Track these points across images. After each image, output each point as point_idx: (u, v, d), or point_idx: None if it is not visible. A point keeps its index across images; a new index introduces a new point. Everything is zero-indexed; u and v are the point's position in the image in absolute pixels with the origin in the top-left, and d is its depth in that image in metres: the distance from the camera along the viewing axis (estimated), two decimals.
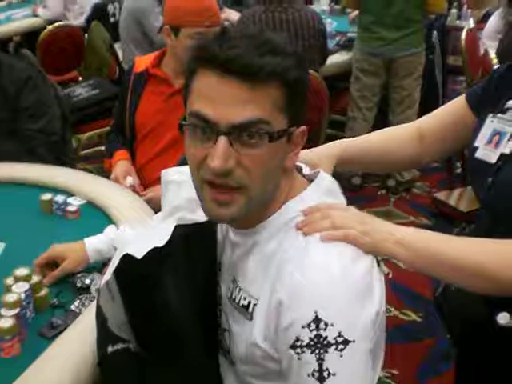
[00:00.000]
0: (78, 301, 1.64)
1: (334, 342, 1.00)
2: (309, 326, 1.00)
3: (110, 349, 1.25)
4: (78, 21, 5.52)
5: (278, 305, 1.05)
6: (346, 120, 4.47)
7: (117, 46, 4.88)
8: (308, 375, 1.01)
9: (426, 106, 4.58)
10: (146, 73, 2.58)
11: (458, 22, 6.00)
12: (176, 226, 1.19)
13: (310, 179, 1.21)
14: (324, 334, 1.00)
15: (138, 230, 1.44)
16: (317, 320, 1.00)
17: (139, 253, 1.13)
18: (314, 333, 1.00)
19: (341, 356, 1.00)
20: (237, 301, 1.16)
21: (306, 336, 1.01)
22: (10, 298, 1.52)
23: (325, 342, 1.00)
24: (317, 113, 3.54)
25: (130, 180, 2.50)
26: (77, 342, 1.47)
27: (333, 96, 3.80)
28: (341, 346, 1.00)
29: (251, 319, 1.12)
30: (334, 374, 1.00)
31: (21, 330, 1.50)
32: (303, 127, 1.12)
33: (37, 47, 4.75)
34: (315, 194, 1.17)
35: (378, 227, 1.15)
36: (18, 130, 2.82)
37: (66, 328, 1.53)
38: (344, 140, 1.52)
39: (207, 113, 1.02)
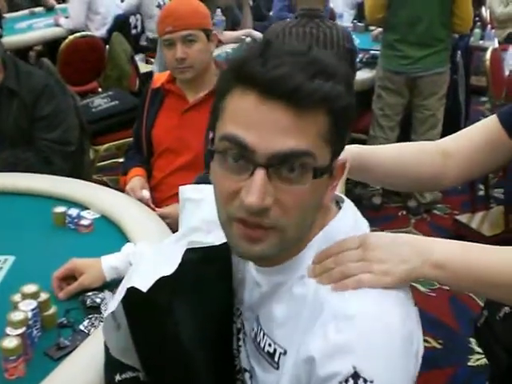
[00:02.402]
0: (88, 320, 1.57)
1: None
2: (346, 381, 0.89)
3: (117, 377, 1.17)
4: (99, 32, 5.52)
5: (311, 359, 0.93)
6: (368, 139, 4.40)
7: (137, 57, 4.85)
8: None
9: (449, 127, 4.52)
10: (162, 88, 2.56)
11: (481, 42, 5.95)
12: (188, 251, 1.11)
13: (335, 200, 1.11)
14: None
15: (150, 252, 1.35)
16: (355, 376, 0.89)
17: (145, 285, 1.03)
18: None
19: None
20: (261, 345, 1.06)
21: None
22: (16, 316, 1.46)
23: None
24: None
25: (145, 192, 2.45)
26: (84, 365, 1.40)
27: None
28: None
29: (277, 368, 1.02)
30: None
31: (26, 350, 1.44)
32: (344, 159, 1.01)
33: (57, 57, 4.74)
34: (340, 224, 1.05)
35: (401, 256, 1.02)
36: (34, 139, 2.79)
37: (73, 349, 1.47)
38: (361, 145, 1.41)
39: (244, 137, 0.89)
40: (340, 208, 1.08)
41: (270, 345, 1.04)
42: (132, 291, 1.06)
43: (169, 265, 1.06)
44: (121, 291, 1.09)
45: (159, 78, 2.60)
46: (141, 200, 2.37)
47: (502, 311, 1.55)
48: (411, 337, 0.95)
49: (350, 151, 1.29)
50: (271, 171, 0.90)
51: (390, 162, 1.40)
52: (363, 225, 1.10)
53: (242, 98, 0.91)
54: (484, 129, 1.45)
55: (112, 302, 1.12)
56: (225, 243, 1.05)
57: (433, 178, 1.46)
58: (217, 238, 1.04)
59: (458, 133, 1.49)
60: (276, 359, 1.02)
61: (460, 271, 1.04)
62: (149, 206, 2.38)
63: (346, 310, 0.94)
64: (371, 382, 0.88)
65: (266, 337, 1.05)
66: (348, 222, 1.07)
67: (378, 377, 0.89)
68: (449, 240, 1.08)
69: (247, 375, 1.12)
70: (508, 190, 3.35)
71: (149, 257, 1.25)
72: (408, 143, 1.53)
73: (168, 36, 2.40)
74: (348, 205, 1.09)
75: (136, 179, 2.52)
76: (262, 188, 0.89)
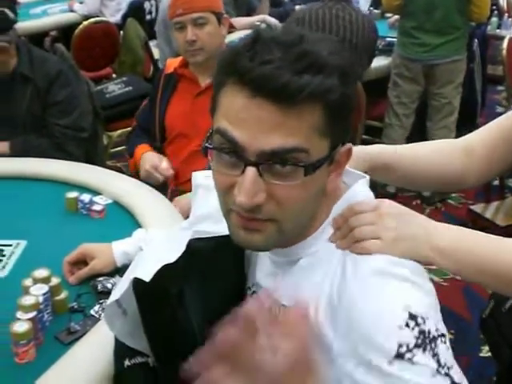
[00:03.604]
0: (98, 305, 1.57)
1: (436, 334, 0.88)
2: (407, 325, 0.88)
3: (127, 362, 1.17)
4: (114, 18, 5.49)
5: (352, 316, 0.92)
6: (383, 126, 4.37)
7: (152, 43, 4.84)
8: (432, 375, 0.86)
9: (465, 116, 4.49)
10: (175, 73, 2.56)
11: (497, 31, 5.88)
12: (200, 239, 1.10)
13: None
14: (426, 328, 0.88)
15: (158, 239, 1.35)
16: (412, 316, 0.88)
17: (148, 274, 1.03)
18: (417, 329, 0.88)
19: (447, 349, 0.89)
20: None
21: (411, 336, 0.87)
22: (27, 300, 1.46)
23: (431, 336, 0.88)
24: (353, 117, 3.44)
25: (164, 163, 2.46)
26: (94, 350, 1.40)
27: (370, 101, 3.70)
28: (442, 339, 0.89)
29: None
30: (451, 367, 0.87)
31: (37, 334, 1.44)
32: (349, 145, 1.00)
33: (71, 43, 4.74)
34: (357, 193, 1.05)
35: (411, 230, 1.03)
36: (47, 125, 2.79)
37: (84, 334, 1.47)
38: (381, 145, 1.40)
39: (234, 135, 0.89)
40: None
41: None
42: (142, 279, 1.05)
43: (173, 253, 1.05)
44: (125, 281, 1.09)
45: (172, 64, 2.59)
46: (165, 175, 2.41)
47: (508, 303, 1.53)
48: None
49: (370, 152, 1.30)
50: (262, 168, 0.90)
51: (410, 163, 1.38)
52: None
53: (233, 93, 0.90)
54: (503, 123, 1.42)
55: (116, 291, 1.11)
56: None
57: (455, 179, 1.44)
58: (225, 227, 1.03)
59: (479, 130, 1.45)
60: None
61: (461, 261, 1.03)
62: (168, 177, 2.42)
63: (372, 277, 0.94)
64: (427, 318, 0.89)
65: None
66: (365, 190, 1.07)
67: (430, 314, 0.90)
68: (457, 227, 1.07)
69: None
70: None
71: (155, 244, 1.24)
72: (429, 142, 1.50)
73: (178, 19, 2.40)
74: (365, 181, 1.09)
75: (149, 154, 2.51)
76: (251, 187, 0.89)
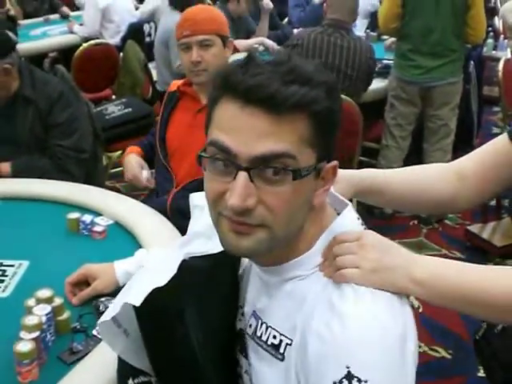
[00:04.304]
0: None
1: None
2: (340, 382, 0.91)
3: (130, 382, 1.19)
4: (113, 40, 5.55)
5: (310, 353, 0.96)
6: (380, 148, 4.40)
7: (151, 65, 4.88)
8: None
9: (461, 137, 4.52)
10: (177, 91, 2.61)
11: (493, 52, 5.93)
12: (199, 258, 1.14)
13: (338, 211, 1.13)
14: None
15: (153, 260, 1.37)
16: (349, 376, 0.91)
17: (138, 299, 1.04)
18: None
19: None
20: (264, 339, 1.08)
21: None
22: (31, 320, 1.48)
23: None
24: (351, 139, 3.49)
25: (145, 173, 2.56)
26: (97, 370, 1.42)
27: (367, 123, 3.74)
28: None
29: (283, 360, 1.04)
30: None
31: (40, 354, 1.45)
32: (334, 162, 1.04)
33: (72, 64, 4.78)
34: (345, 221, 1.09)
35: (391, 262, 1.05)
36: (49, 146, 2.82)
37: (86, 354, 1.48)
38: (371, 169, 1.41)
39: (228, 144, 0.95)
40: (339, 213, 1.11)
41: (274, 337, 1.06)
42: (144, 300, 1.07)
43: (165, 274, 1.07)
44: (117, 303, 1.10)
45: (176, 83, 2.66)
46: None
47: (500, 324, 1.54)
48: (405, 335, 0.97)
49: (359, 175, 1.33)
50: (254, 173, 0.94)
51: (398, 187, 1.40)
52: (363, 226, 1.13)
53: (227, 105, 0.96)
54: (495, 147, 1.43)
55: (108, 311, 1.12)
56: None
57: (446, 202, 1.45)
58: (217, 243, 1.06)
59: (471, 154, 1.46)
60: (281, 350, 1.04)
61: (442, 292, 1.05)
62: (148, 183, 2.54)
63: (346, 308, 0.97)
64: (365, 381, 0.90)
65: (269, 329, 1.08)
66: (352, 219, 1.11)
67: (373, 376, 0.91)
68: (434, 258, 1.10)
69: (253, 373, 1.14)
70: None
71: (148, 267, 1.26)
72: (420, 166, 1.52)
73: (185, 40, 2.45)
74: (351, 208, 1.12)
75: (131, 159, 2.61)
76: (243, 190, 0.94)
